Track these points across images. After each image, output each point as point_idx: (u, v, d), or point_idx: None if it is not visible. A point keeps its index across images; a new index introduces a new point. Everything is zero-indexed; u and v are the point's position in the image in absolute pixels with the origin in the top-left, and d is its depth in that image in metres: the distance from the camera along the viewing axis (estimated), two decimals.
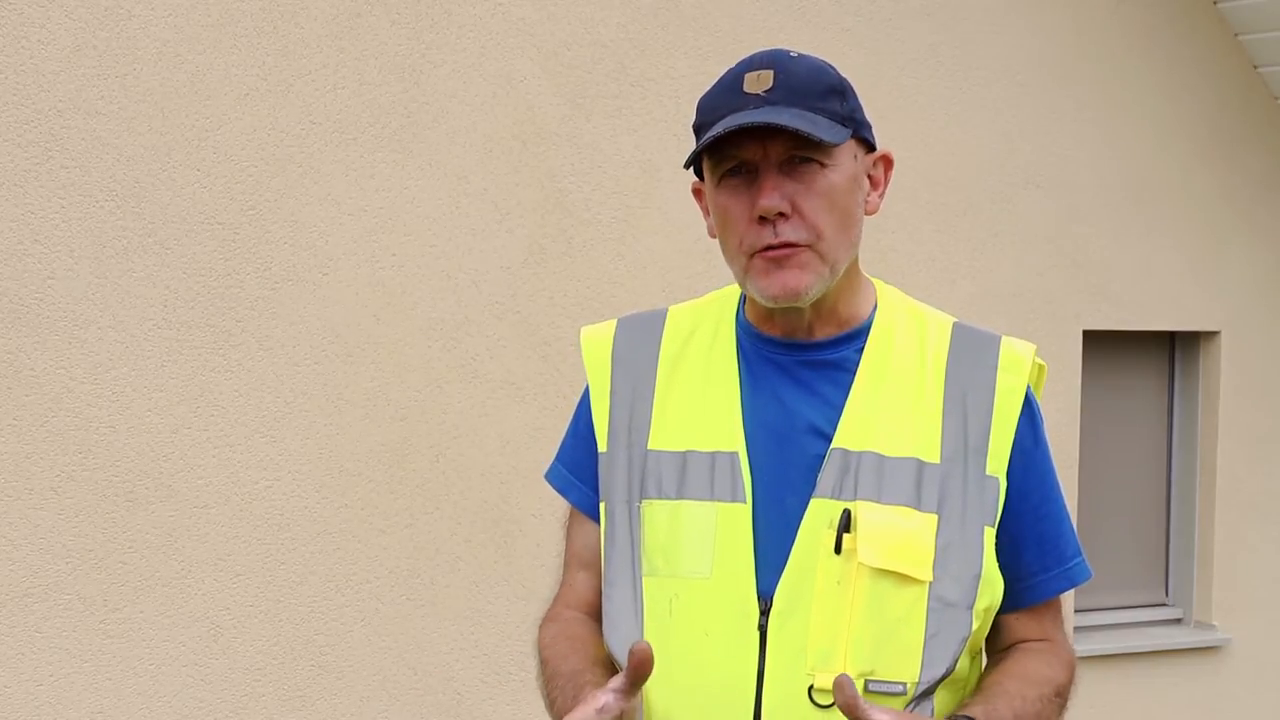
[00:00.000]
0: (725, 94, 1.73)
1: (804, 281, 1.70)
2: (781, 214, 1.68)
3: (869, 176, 1.79)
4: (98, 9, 3.87)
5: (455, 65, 4.29)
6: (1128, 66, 5.40)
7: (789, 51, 1.75)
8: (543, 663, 1.83)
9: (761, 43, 4.69)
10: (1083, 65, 5.31)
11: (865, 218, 1.78)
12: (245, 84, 4.03)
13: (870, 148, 1.79)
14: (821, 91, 1.72)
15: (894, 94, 4.95)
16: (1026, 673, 1.76)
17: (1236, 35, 5.59)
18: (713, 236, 1.81)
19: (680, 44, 4.60)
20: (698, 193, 1.84)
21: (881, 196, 1.80)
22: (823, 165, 1.70)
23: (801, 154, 1.69)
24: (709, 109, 1.74)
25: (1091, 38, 5.33)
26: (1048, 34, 5.24)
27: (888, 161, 1.81)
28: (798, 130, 1.66)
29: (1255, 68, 5.64)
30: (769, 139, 1.69)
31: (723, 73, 1.77)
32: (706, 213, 1.82)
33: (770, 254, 1.70)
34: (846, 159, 1.73)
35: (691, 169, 1.82)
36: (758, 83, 1.71)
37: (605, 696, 1.60)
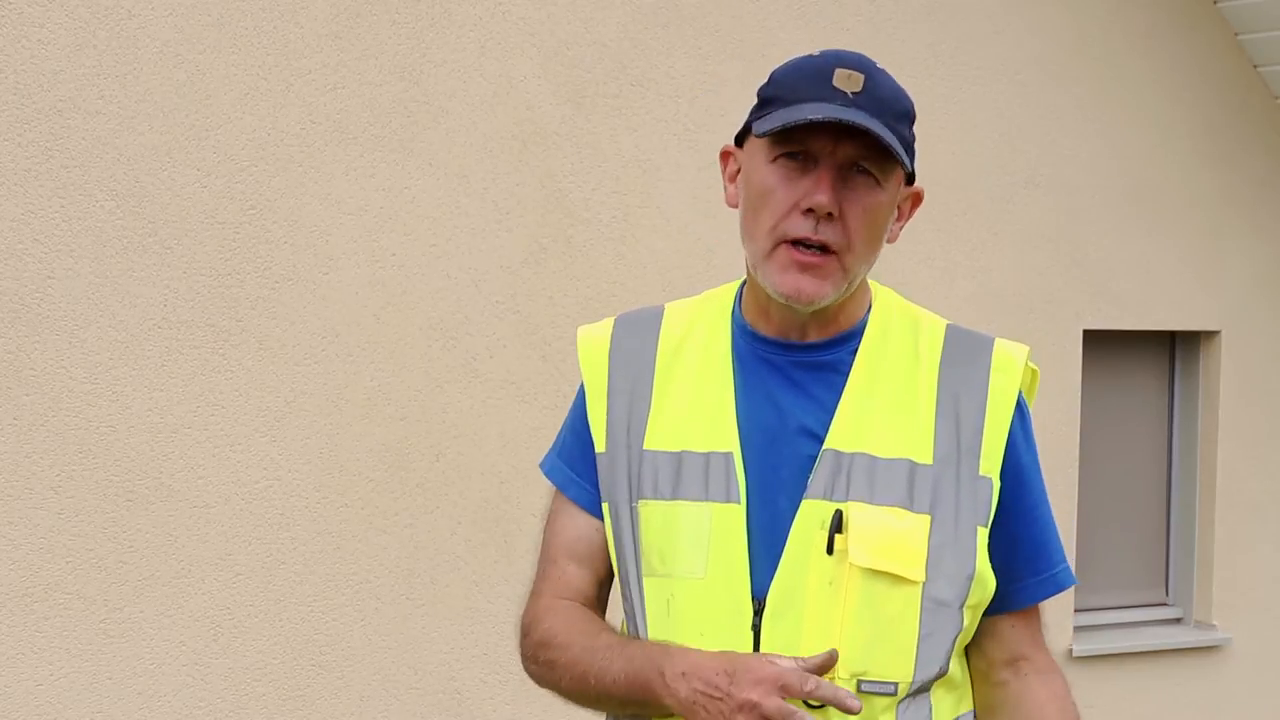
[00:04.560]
0: (811, 80, 1.72)
1: (822, 290, 1.71)
2: (830, 214, 1.69)
3: (898, 206, 1.80)
4: (98, 9, 3.88)
5: (455, 65, 4.29)
6: (1128, 66, 5.40)
7: (875, 62, 1.76)
8: (563, 646, 1.77)
9: (761, 43, 4.70)
10: (1083, 65, 5.31)
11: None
12: (245, 84, 4.03)
13: (910, 180, 1.80)
14: (900, 113, 1.73)
15: None
16: None
17: (1236, 35, 5.59)
18: (731, 205, 1.81)
19: (680, 44, 4.60)
20: (725, 155, 1.83)
21: (901, 229, 1.81)
22: (878, 182, 1.72)
23: (865, 164, 1.70)
24: (789, 87, 1.73)
25: (1091, 38, 5.33)
26: (1048, 34, 5.24)
27: (917, 198, 1.83)
28: (888, 145, 1.67)
29: (1255, 68, 5.64)
30: (844, 139, 1.69)
31: (798, 56, 1.77)
32: (732, 178, 1.81)
33: (800, 256, 1.70)
34: (894, 183, 1.75)
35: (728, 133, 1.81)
36: (848, 82, 1.70)
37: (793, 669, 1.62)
